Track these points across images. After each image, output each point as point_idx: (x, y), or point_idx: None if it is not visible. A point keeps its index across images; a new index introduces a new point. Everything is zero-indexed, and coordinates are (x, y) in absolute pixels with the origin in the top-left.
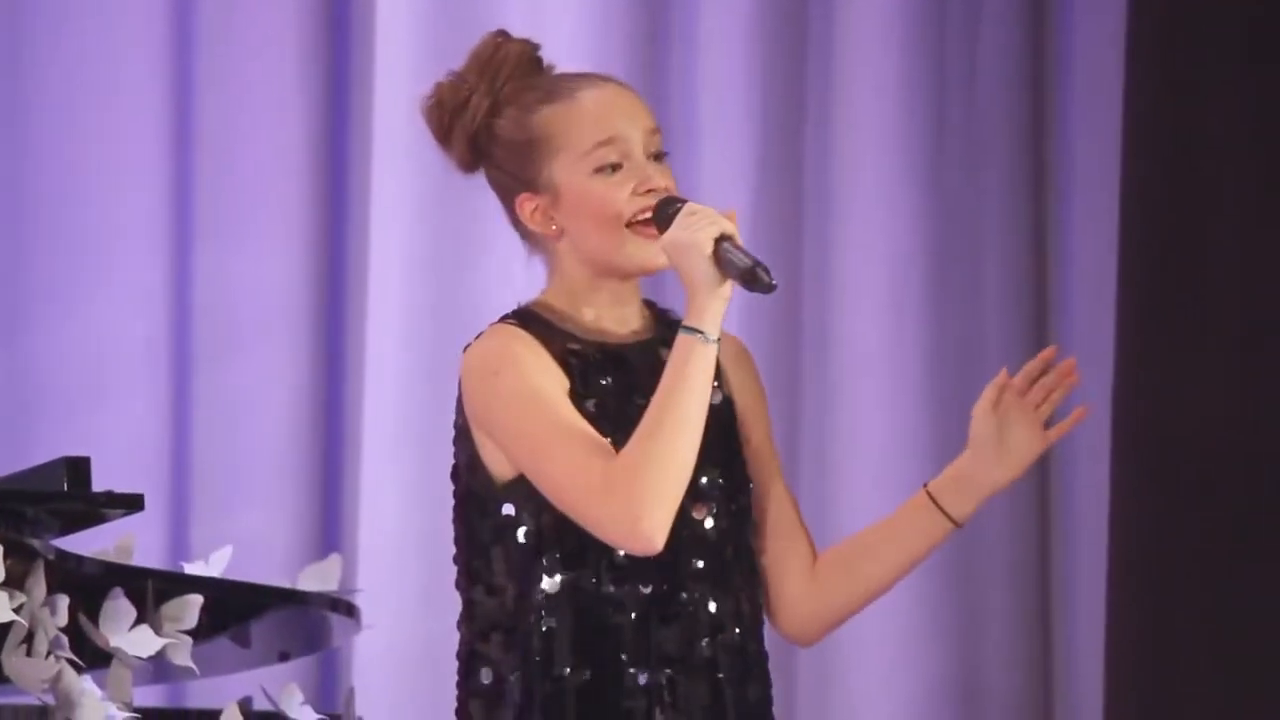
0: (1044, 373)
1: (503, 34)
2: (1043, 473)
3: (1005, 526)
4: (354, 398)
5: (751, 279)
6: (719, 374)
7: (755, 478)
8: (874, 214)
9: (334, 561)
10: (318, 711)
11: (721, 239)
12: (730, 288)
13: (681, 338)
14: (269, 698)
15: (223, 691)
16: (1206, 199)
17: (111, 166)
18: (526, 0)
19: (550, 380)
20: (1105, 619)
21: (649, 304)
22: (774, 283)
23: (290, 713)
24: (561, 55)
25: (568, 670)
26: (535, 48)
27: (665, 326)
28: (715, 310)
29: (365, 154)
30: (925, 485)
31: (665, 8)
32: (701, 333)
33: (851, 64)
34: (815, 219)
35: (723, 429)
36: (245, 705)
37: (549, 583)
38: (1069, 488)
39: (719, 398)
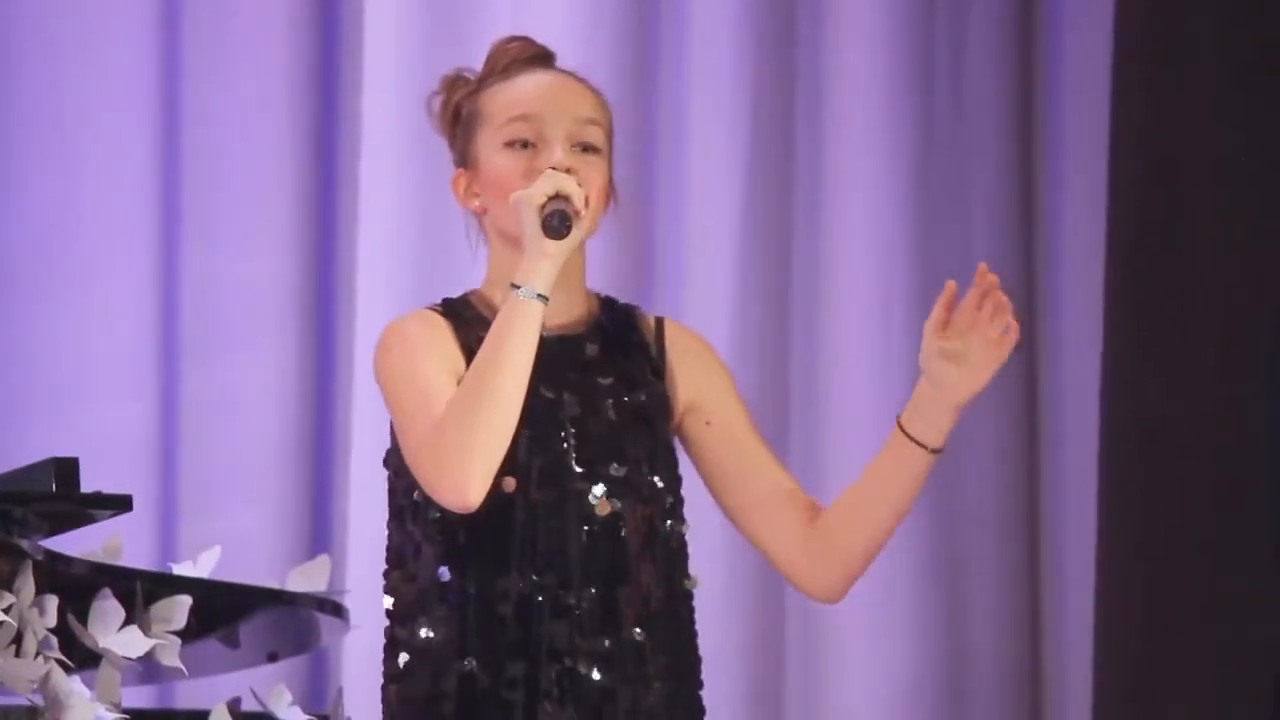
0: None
1: (518, 38)
2: (1031, 464)
3: (993, 513)
4: (343, 397)
5: (545, 225)
6: (659, 368)
7: (731, 460)
8: (863, 210)
9: (322, 562)
10: (306, 712)
11: (555, 196)
12: (559, 246)
13: (510, 294)
14: (258, 698)
15: (211, 692)
16: (1193, 193)
17: (98, 164)
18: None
19: (435, 362)
20: (1094, 606)
21: (602, 298)
22: (557, 230)
23: (279, 713)
24: None
25: (452, 659)
26: (534, 48)
27: (607, 323)
28: (540, 267)
29: (354, 152)
30: (897, 419)
31: (654, 13)
32: (520, 287)
33: (840, 61)
34: (805, 216)
35: (643, 422)
36: (234, 706)
37: (444, 571)
38: (1057, 479)
39: (643, 392)
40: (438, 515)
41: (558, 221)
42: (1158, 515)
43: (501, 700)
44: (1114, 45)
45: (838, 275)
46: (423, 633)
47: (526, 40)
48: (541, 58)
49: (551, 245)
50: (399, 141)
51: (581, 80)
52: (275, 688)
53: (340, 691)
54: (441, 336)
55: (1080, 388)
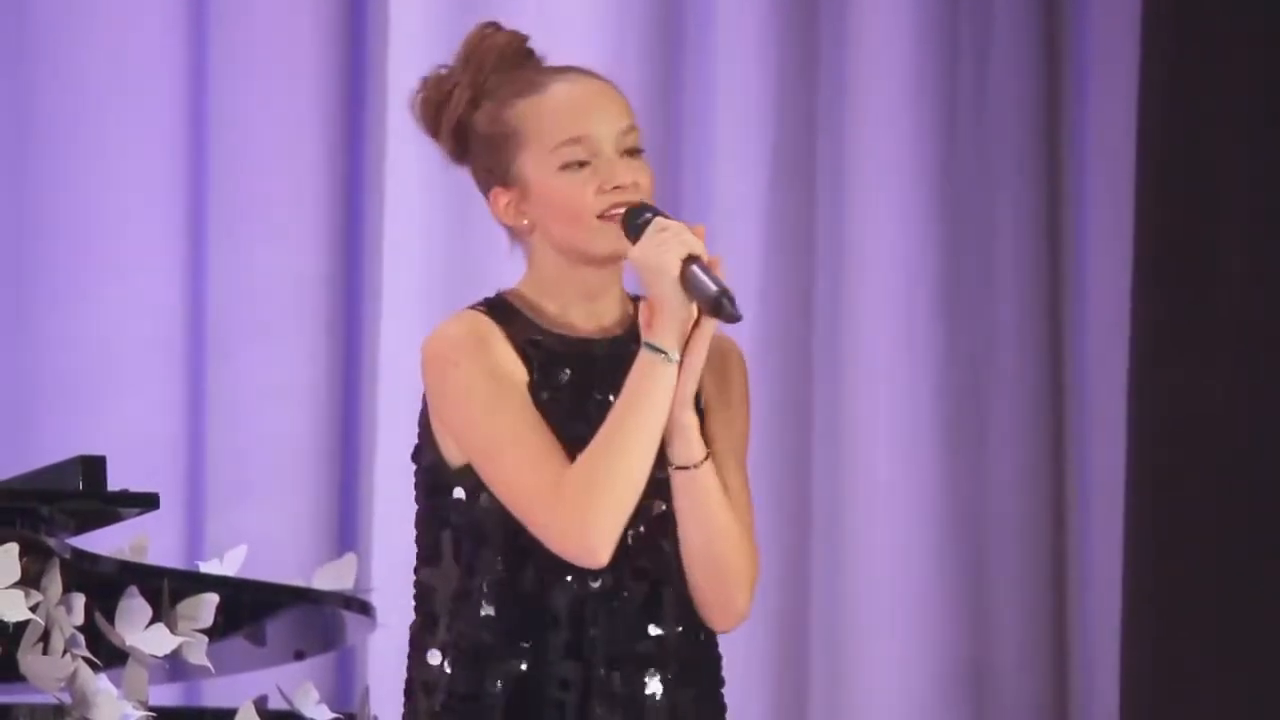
0: None
1: (492, 25)
2: (1057, 464)
3: (1017, 512)
4: (369, 394)
5: (716, 308)
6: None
7: None
8: (886, 221)
9: (349, 560)
10: (333, 710)
11: (689, 260)
12: (694, 309)
13: (643, 355)
14: (284, 696)
15: (238, 690)
16: (1218, 193)
17: (125, 160)
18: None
19: (509, 375)
20: (1121, 607)
21: (633, 298)
22: (738, 313)
23: (305, 711)
24: (575, 57)
25: (501, 659)
26: (523, 40)
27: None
28: (679, 330)
29: (380, 146)
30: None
31: (679, 13)
32: (664, 352)
33: (864, 71)
34: (828, 225)
35: None
36: (261, 704)
37: (491, 570)
38: (1083, 479)
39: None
40: (477, 515)
41: (730, 304)
42: (1185, 515)
43: (552, 700)
44: (1140, 46)
45: (861, 278)
46: (466, 632)
47: (509, 32)
48: (525, 51)
49: (694, 310)
50: (426, 136)
51: (607, 80)
52: (302, 686)
53: (367, 690)
54: (501, 343)
55: (1106, 387)
